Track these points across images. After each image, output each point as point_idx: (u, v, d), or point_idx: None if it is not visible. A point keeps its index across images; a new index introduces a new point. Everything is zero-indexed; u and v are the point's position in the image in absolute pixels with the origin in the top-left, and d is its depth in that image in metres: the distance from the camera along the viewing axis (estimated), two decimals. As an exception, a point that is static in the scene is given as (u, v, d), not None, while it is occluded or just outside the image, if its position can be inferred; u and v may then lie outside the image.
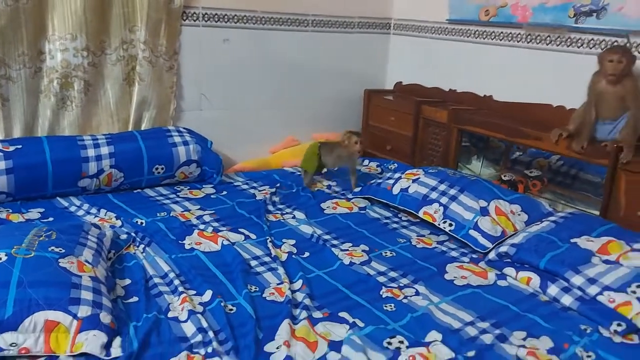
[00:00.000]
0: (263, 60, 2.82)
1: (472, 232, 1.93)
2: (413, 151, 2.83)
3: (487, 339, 1.38)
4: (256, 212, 2.12)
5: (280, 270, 1.66)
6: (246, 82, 2.80)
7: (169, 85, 2.56)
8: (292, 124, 3.01)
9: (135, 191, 2.29)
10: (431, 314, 1.49)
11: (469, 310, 1.51)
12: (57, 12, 2.22)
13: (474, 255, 1.88)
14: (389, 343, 1.34)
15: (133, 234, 1.84)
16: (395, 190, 2.23)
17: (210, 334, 1.31)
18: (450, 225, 1.99)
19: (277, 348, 1.29)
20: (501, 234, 1.91)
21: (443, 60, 2.91)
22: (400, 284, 1.65)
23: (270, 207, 2.21)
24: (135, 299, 1.47)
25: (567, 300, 1.57)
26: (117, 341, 1.27)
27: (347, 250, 1.85)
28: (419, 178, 2.22)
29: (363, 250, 1.86)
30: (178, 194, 2.31)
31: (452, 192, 2.09)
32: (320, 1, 2.91)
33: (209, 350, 1.26)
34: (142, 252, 1.73)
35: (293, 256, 1.78)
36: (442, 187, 2.13)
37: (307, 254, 1.81)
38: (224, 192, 2.35)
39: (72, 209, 2.06)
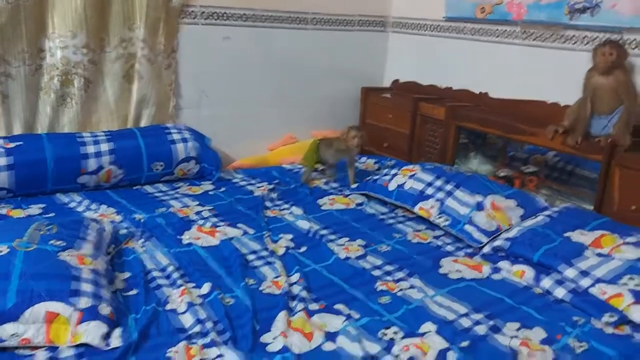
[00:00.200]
0: (262, 58, 2.85)
1: (467, 227, 1.96)
2: (410, 148, 2.86)
3: (481, 330, 1.40)
4: (254, 208, 2.14)
5: (278, 264, 1.69)
6: (245, 80, 2.82)
7: (168, 83, 2.58)
8: (291, 121, 3.03)
9: (134, 188, 2.31)
10: (426, 306, 1.51)
11: (463, 302, 1.54)
12: (57, 10, 2.24)
13: (469, 250, 1.90)
14: (384, 334, 1.36)
15: (132, 229, 1.86)
16: (392, 186, 2.25)
17: (208, 324, 1.34)
18: (446, 220, 2.02)
19: (274, 338, 1.32)
20: (496, 229, 1.94)
21: (440, 57, 2.94)
22: (396, 278, 1.67)
23: (268, 203, 2.24)
24: (134, 291, 1.49)
25: (560, 292, 1.59)
26: (117, 332, 1.29)
27: (344, 245, 1.87)
28: (415, 174, 2.25)
29: (359, 245, 1.88)
30: (177, 190, 2.33)
31: (448, 187, 2.11)
32: (319, 0, 2.93)
33: (207, 340, 1.29)
34: (141, 247, 1.76)
35: (290, 251, 1.80)
36: (439, 182, 2.15)
37: (304, 249, 1.83)
38: (223, 189, 2.38)
39: (72, 205, 2.09)
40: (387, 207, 2.27)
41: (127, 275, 1.58)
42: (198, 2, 2.59)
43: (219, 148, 2.63)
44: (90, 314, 1.28)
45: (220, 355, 1.23)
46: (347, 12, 3.05)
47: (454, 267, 1.76)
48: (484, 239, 1.90)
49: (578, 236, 1.74)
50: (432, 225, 2.08)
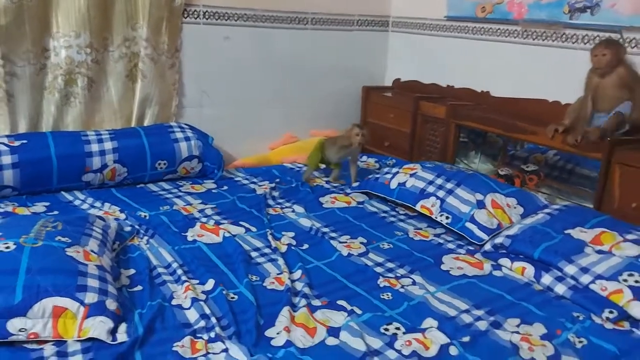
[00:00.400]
0: (263, 58, 2.86)
1: (469, 225, 1.97)
2: (411, 147, 2.87)
3: (482, 325, 1.42)
4: (256, 206, 2.16)
5: (280, 261, 1.70)
6: (246, 79, 2.84)
7: (171, 82, 2.60)
8: (292, 121, 3.05)
9: (138, 186, 2.33)
10: (427, 302, 1.53)
11: (465, 299, 1.55)
12: (61, 10, 2.26)
13: (470, 247, 1.92)
14: (386, 329, 1.38)
15: (137, 227, 1.88)
16: (393, 184, 2.27)
17: (213, 320, 1.36)
18: (447, 218, 2.03)
19: (278, 333, 1.33)
20: (497, 227, 1.95)
21: (441, 56, 2.95)
22: (397, 274, 1.68)
23: (270, 202, 2.25)
24: (139, 287, 1.51)
25: (560, 289, 1.61)
26: (123, 327, 1.31)
27: (345, 242, 1.89)
28: (416, 172, 2.26)
29: (361, 243, 1.90)
30: (180, 188, 2.35)
31: (449, 185, 2.13)
32: (320, -1, 2.96)
33: (212, 335, 1.30)
34: (146, 244, 1.78)
35: (292, 248, 1.82)
36: (439, 181, 2.17)
37: (306, 246, 1.85)
38: (225, 187, 2.39)
39: (77, 202, 2.10)
40: (388, 205, 2.28)
41: (132, 271, 1.60)
42: (200, 2, 2.61)
43: (221, 147, 2.64)
44: (96, 309, 1.30)
45: (225, 350, 1.25)
46: (348, 12, 3.07)
47: (456, 264, 1.78)
48: (485, 237, 1.92)
49: (578, 233, 1.76)
50: (433, 223, 2.09)
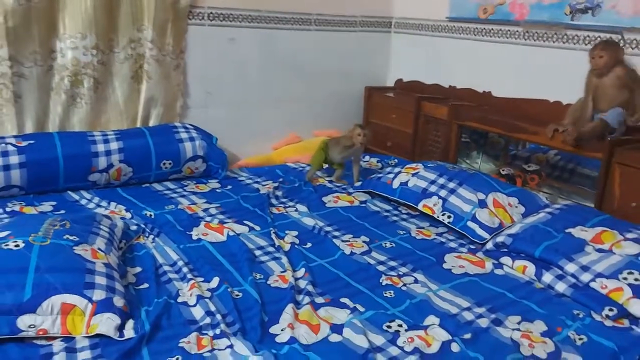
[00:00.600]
0: (266, 59, 2.89)
1: (470, 224, 1.99)
2: (413, 147, 2.89)
3: (483, 322, 1.44)
4: (260, 205, 2.18)
5: (284, 260, 1.72)
6: (250, 80, 2.87)
7: (176, 83, 2.63)
8: (295, 121, 3.07)
9: (143, 185, 2.36)
10: (429, 300, 1.55)
11: (466, 296, 1.57)
12: (67, 12, 2.29)
13: (472, 246, 1.94)
14: (389, 326, 1.40)
15: (143, 225, 1.90)
16: (395, 184, 2.29)
17: (218, 317, 1.38)
18: (449, 217, 2.05)
19: (282, 330, 1.36)
20: (499, 226, 1.97)
21: (443, 57, 2.97)
22: (400, 273, 1.70)
23: (274, 201, 2.28)
24: (146, 285, 1.54)
25: (561, 287, 1.63)
26: (130, 323, 1.33)
27: (348, 241, 1.91)
28: (419, 172, 2.28)
29: (363, 242, 1.92)
30: (185, 188, 2.38)
31: (451, 185, 2.15)
32: (324, 1, 2.97)
33: (217, 332, 1.33)
34: (151, 242, 1.80)
35: (296, 246, 1.84)
36: (441, 180, 2.19)
37: (309, 245, 1.87)
38: (229, 187, 2.42)
39: (83, 202, 2.13)
40: (390, 204, 2.30)
41: (138, 269, 1.62)
42: (205, 4, 2.63)
43: (225, 147, 2.67)
44: (104, 306, 1.32)
45: (230, 346, 1.27)
46: (351, 13, 3.09)
47: (457, 262, 1.79)
48: (487, 236, 1.94)
49: (579, 232, 1.78)
50: (435, 222, 2.11)
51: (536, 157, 2.53)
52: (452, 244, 1.95)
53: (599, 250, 1.68)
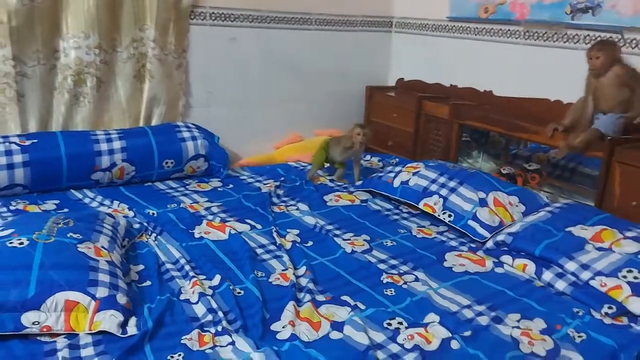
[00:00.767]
0: (268, 58, 2.90)
1: (471, 223, 2.00)
2: (414, 147, 2.90)
3: (483, 320, 1.45)
4: (261, 204, 2.19)
5: (285, 258, 1.74)
6: (252, 79, 2.88)
7: (178, 82, 2.64)
8: (296, 120, 3.08)
9: (146, 184, 2.37)
10: (430, 298, 1.56)
11: (467, 294, 1.58)
12: (70, 11, 2.30)
13: (472, 245, 1.95)
14: (389, 324, 1.41)
15: (145, 224, 1.92)
16: (396, 183, 2.30)
17: (220, 314, 1.39)
18: (450, 216, 2.06)
19: (283, 327, 1.37)
20: (499, 224, 1.98)
21: (444, 56, 2.98)
22: (401, 271, 1.71)
23: (275, 200, 2.29)
24: (148, 283, 1.55)
25: (561, 285, 1.63)
26: (133, 321, 1.35)
27: (349, 239, 1.92)
28: (419, 171, 2.29)
29: (364, 240, 1.93)
30: (187, 187, 2.39)
31: (452, 184, 2.16)
32: (324, 1, 2.98)
33: (219, 328, 1.34)
34: (154, 240, 1.82)
35: (297, 245, 1.85)
36: (442, 179, 2.20)
37: (310, 243, 1.88)
38: (231, 186, 2.43)
39: (86, 200, 2.15)
40: (391, 203, 2.31)
41: (141, 267, 1.64)
42: (207, 3, 2.65)
43: (227, 146, 2.68)
44: (107, 303, 1.34)
45: (232, 343, 1.29)
46: (351, 13, 3.10)
47: (458, 261, 1.80)
48: (487, 234, 1.95)
49: (579, 231, 1.78)
50: (436, 221, 2.12)
51: (537, 156, 2.54)
52: (453, 243, 1.96)
53: (599, 249, 1.69)
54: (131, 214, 2.01)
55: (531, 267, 1.73)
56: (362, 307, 1.48)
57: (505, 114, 2.52)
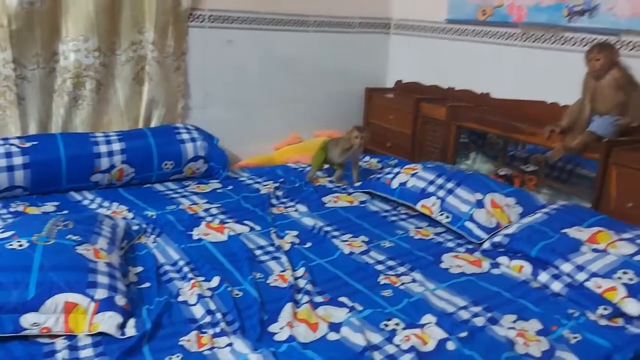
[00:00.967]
0: (266, 60, 2.91)
1: (468, 224, 2.01)
2: (413, 148, 2.91)
3: (479, 321, 1.46)
4: (260, 205, 2.20)
5: (284, 259, 1.75)
6: (250, 81, 2.89)
7: (177, 84, 2.65)
8: (295, 121, 3.09)
9: (145, 186, 2.38)
10: (426, 299, 1.57)
11: (463, 296, 1.59)
12: (70, 15, 2.32)
13: (469, 246, 1.96)
14: (386, 325, 1.42)
15: (144, 225, 1.93)
16: (394, 184, 2.31)
17: (218, 315, 1.40)
18: (447, 217, 2.07)
19: (281, 328, 1.38)
20: (496, 226, 1.99)
21: (442, 58, 2.99)
22: (398, 272, 1.73)
23: (274, 201, 2.30)
24: (147, 284, 1.56)
25: (556, 286, 1.65)
26: (132, 322, 1.36)
27: (347, 241, 1.93)
28: (417, 172, 2.30)
29: (362, 241, 1.94)
30: (186, 188, 2.40)
31: (449, 185, 2.17)
32: (322, 2, 3.00)
33: (217, 330, 1.35)
34: (153, 242, 1.83)
35: (295, 246, 1.86)
36: (440, 181, 2.21)
37: (309, 244, 1.89)
38: (230, 187, 2.44)
39: (85, 202, 2.16)
40: (389, 204, 2.32)
41: (139, 269, 1.65)
42: (205, 6, 2.66)
43: (226, 148, 2.69)
44: (106, 305, 1.35)
45: (230, 344, 1.30)
46: (350, 15, 3.11)
47: (455, 262, 1.81)
48: (484, 236, 1.96)
49: (575, 232, 1.79)
50: (433, 222, 2.13)
51: (534, 158, 2.55)
52: (450, 244, 1.97)
53: (595, 250, 1.70)
54: (130, 215, 2.02)
55: (527, 268, 1.74)
56: (360, 308, 1.49)
57: (502, 115, 2.53)
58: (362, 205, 2.31)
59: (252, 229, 1.99)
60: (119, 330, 1.32)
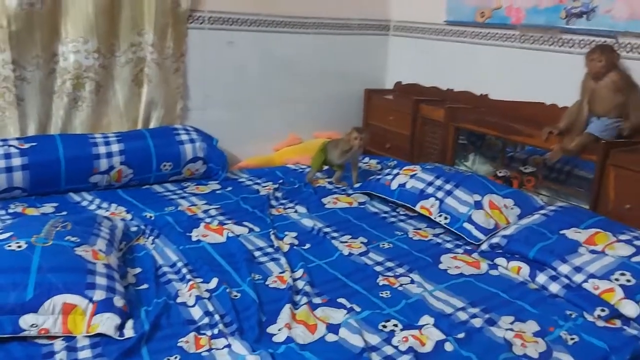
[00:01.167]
0: (266, 62, 2.92)
1: (467, 225, 2.01)
2: (412, 149, 2.92)
3: (477, 322, 1.46)
4: (260, 206, 2.21)
5: (282, 260, 1.75)
6: (250, 82, 2.90)
7: (176, 86, 2.66)
8: (295, 123, 3.10)
9: (144, 187, 2.39)
10: (425, 300, 1.57)
11: (461, 297, 1.59)
12: (70, 16, 2.32)
13: (467, 247, 1.96)
14: (384, 326, 1.42)
15: (143, 227, 1.93)
16: (394, 185, 2.31)
17: (217, 317, 1.41)
18: (446, 218, 2.07)
19: (279, 330, 1.38)
20: (494, 227, 1.99)
21: (441, 60, 3.00)
22: (396, 273, 1.73)
23: (273, 202, 2.30)
24: (145, 286, 1.56)
25: (554, 287, 1.65)
26: (130, 323, 1.36)
27: (346, 242, 1.94)
28: (416, 174, 2.31)
29: (362, 242, 1.94)
30: (185, 189, 2.40)
31: (448, 187, 2.17)
32: (322, 4, 3.00)
33: (215, 331, 1.35)
34: (151, 244, 1.83)
35: (295, 247, 1.86)
36: (438, 182, 2.21)
37: (308, 246, 1.89)
38: (229, 188, 2.44)
39: (84, 203, 2.16)
40: (389, 205, 2.33)
41: (138, 270, 1.65)
42: (205, 8, 2.66)
43: (225, 149, 2.69)
44: (104, 306, 1.35)
45: (228, 345, 1.30)
46: (349, 17, 3.12)
47: (453, 263, 1.82)
48: (482, 237, 1.96)
49: (573, 234, 1.80)
50: (432, 223, 2.14)
51: (533, 159, 2.56)
52: (449, 245, 1.97)
53: (592, 252, 1.70)
54: (129, 217, 2.02)
55: (525, 269, 1.74)
56: (358, 309, 1.50)
57: (501, 117, 2.54)
58: (362, 206, 2.32)
59: (251, 230, 1.99)
60: (118, 331, 1.32)
